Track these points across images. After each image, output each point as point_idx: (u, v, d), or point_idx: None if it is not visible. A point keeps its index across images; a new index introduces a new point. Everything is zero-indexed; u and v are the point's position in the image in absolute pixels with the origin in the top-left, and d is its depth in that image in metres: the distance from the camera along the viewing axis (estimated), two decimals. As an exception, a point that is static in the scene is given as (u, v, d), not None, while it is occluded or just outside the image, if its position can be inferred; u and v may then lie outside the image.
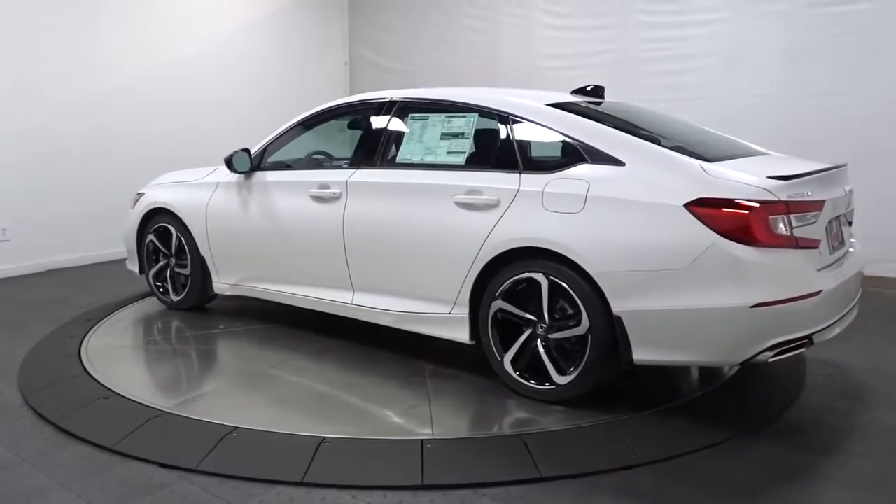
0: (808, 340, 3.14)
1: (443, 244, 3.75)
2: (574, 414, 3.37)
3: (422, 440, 3.11)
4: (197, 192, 5.03)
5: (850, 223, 3.75)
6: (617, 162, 3.36)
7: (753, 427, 3.31)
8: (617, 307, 3.23)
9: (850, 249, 3.68)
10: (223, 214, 4.85)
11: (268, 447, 3.08)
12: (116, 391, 3.67)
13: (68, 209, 6.86)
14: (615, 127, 3.60)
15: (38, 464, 2.97)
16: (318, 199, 4.29)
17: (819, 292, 3.11)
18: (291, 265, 4.55)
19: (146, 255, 5.37)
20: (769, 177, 3.13)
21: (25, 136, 6.51)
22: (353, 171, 4.22)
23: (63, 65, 6.75)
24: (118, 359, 4.24)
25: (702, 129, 4.22)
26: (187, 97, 7.82)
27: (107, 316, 5.10)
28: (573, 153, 3.50)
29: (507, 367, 3.59)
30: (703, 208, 3.07)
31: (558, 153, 3.61)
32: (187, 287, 5.15)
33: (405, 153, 4.07)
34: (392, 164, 4.12)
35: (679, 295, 3.11)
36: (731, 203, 3.05)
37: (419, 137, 4.05)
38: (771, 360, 3.10)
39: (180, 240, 5.09)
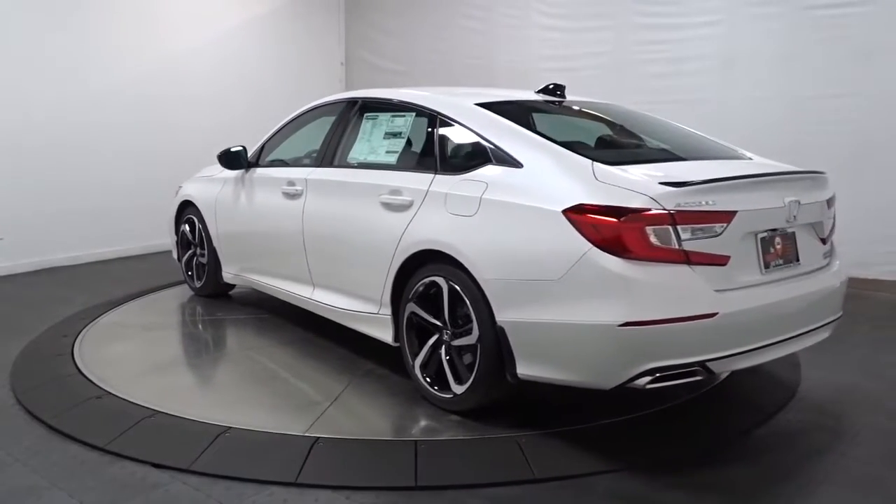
0: (702, 368, 2.82)
1: (369, 244, 3.77)
2: (468, 425, 3.26)
3: (415, 441, 3.10)
4: (211, 186, 5.33)
5: (822, 239, 3.37)
6: (516, 164, 3.22)
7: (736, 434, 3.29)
8: (500, 317, 3.07)
9: (817, 267, 3.32)
10: (225, 208, 5.11)
11: (261, 447, 3.07)
12: (109, 391, 3.65)
13: (62, 207, 6.82)
14: (532, 128, 3.44)
15: (30, 463, 2.96)
16: (286, 195, 4.44)
17: (714, 314, 2.77)
18: (271, 259, 4.77)
19: (181, 243, 5.71)
20: (662, 183, 2.84)
21: (20, 135, 6.48)
22: (314, 169, 4.35)
23: (58, 63, 6.72)
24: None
25: (676, 130, 4.03)
26: (184, 96, 7.80)
27: (100, 315, 5.07)
28: (482, 154, 3.38)
29: (417, 371, 3.52)
30: (580, 215, 2.85)
31: (469, 154, 3.51)
32: (205, 275, 5.45)
33: (355, 152, 4.16)
34: (343, 162, 4.21)
35: (554, 307, 2.90)
36: (606, 210, 2.80)
37: (368, 137, 4.13)
38: (648, 387, 2.79)
39: (200, 231, 5.41)
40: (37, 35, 6.55)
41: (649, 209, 2.76)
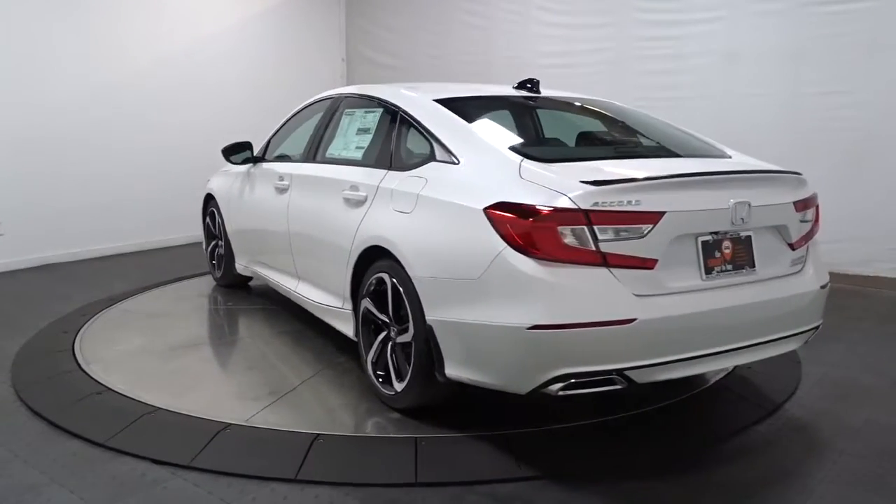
0: (620, 377, 2.69)
1: (332, 238, 3.82)
2: (408, 424, 3.26)
3: (416, 438, 3.10)
4: (227, 180, 5.48)
5: (791, 244, 3.15)
6: (454, 161, 3.19)
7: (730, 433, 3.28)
8: (429, 315, 3.03)
9: (782, 274, 3.11)
10: (235, 202, 5.28)
11: (261, 444, 3.07)
12: (110, 387, 3.65)
13: (62, 204, 6.82)
14: (476, 125, 3.40)
15: (30, 459, 2.96)
16: (277, 190, 4.54)
17: (631, 321, 2.64)
18: (268, 251, 4.87)
19: (206, 235, 5.94)
20: (584, 181, 2.72)
21: (21, 131, 6.47)
22: (299, 164, 4.43)
23: (58, 59, 6.71)
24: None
25: (655, 126, 3.90)
26: (185, 92, 7.79)
27: (101, 311, 5.08)
28: (429, 151, 3.37)
29: (369, 367, 3.52)
30: (498, 213, 2.78)
31: (419, 150, 3.48)
32: (223, 266, 5.62)
33: (332, 148, 4.23)
34: (322, 158, 4.27)
35: (473, 308, 2.84)
36: (520, 209, 2.72)
37: (344, 132, 4.19)
38: (561, 393, 2.70)
39: (220, 223, 5.62)
40: (37, 31, 6.54)
41: (563, 207, 2.64)
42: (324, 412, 3.47)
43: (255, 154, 5.04)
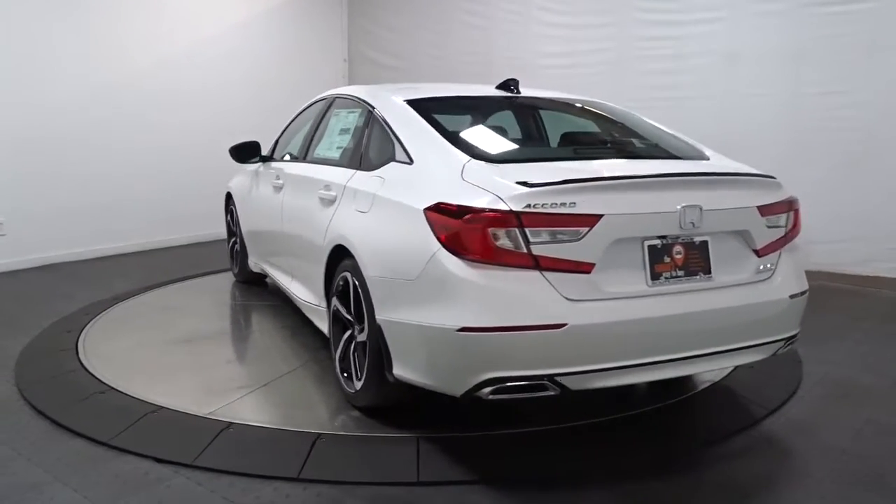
0: (553, 383, 2.63)
1: (310, 237, 3.88)
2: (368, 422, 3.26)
3: (417, 437, 3.11)
4: (242, 178, 5.60)
5: (756, 251, 3.00)
6: (409, 160, 3.20)
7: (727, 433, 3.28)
8: (378, 314, 3.03)
9: (746, 281, 2.98)
10: (246, 200, 5.43)
11: (264, 442, 3.09)
12: (113, 386, 3.67)
13: (65, 203, 6.84)
14: (438, 126, 3.34)
15: (34, 458, 2.97)
16: (274, 188, 4.63)
17: (561, 326, 2.58)
18: (269, 249, 4.99)
19: (228, 232, 6.07)
20: (520, 182, 2.68)
21: (22, 131, 6.48)
22: (293, 164, 4.50)
23: (60, 59, 6.73)
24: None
25: (634, 125, 3.82)
26: (186, 92, 7.80)
27: (104, 311, 5.09)
28: (391, 151, 3.37)
29: (336, 363, 3.55)
30: (436, 214, 2.76)
31: (385, 150, 3.47)
32: (239, 262, 5.79)
33: (319, 148, 4.30)
34: (311, 157, 4.34)
35: (412, 308, 2.83)
36: (454, 210, 2.70)
37: (330, 133, 4.24)
38: (492, 397, 2.65)
39: (237, 220, 5.78)
40: (40, 30, 6.55)
41: (493, 209, 2.60)
42: (236, 401, 3.51)
43: (263, 153, 5.10)
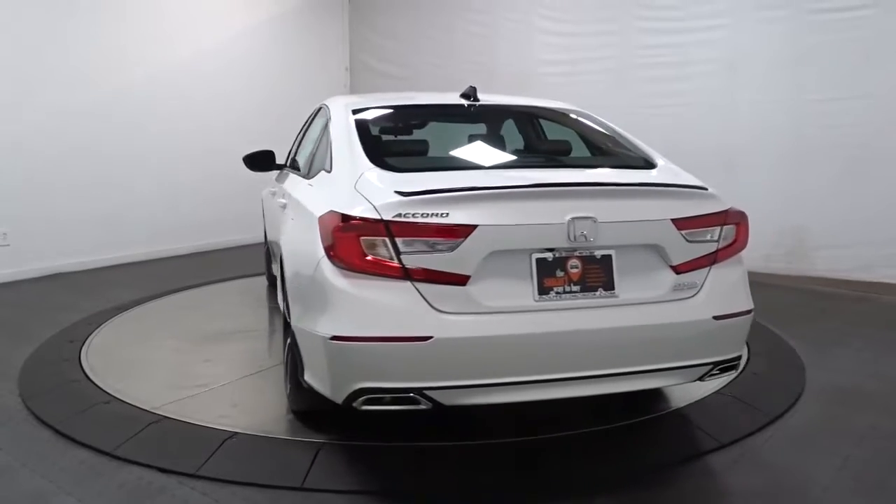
0: (422, 397, 2.58)
1: (276, 241, 4.00)
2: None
3: (416, 445, 3.11)
4: (268, 187, 5.61)
5: (673, 267, 2.79)
6: (330, 169, 3.22)
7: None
8: (292, 319, 3.07)
9: (660, 299, 2.78)
10: (266, 209, 5.50)
11: (267, 452, 3.09)
12: (116, 396, 3.68)
13: (68, 213, 6.86)
14: (366, 135, 3.34)
15: (38, 468, 2.98)
16: (271, 194, 4.80)
17: (427, 338, 2.52)
18: (272, 253, 5.12)
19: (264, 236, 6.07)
20: (398, 191, 2.64)
21: (25, 140, 6.51)
22: (287, 171, 4.52)
23: (64, 68, 6.76)
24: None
25: (589, 134, 3.75)
26: (189, 101, 7.84)
27: (107, 320, 5.10)
28: (324, 160, 3.41)
29: (283, 367, 3.55)
30: (323, 222, 2.78)
31: (323, 160, 3.48)
32: (266, 265, 5.98)
33: (299, 156, 4.41)
34: (294, 165, 4.43)
35: (306, 314, 2.86)
36: (335, 218, 2.70)
37: (306, 142, 4.38)
38: (364, 408, 2.63)
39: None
40: (43, 40, 6.59)
41: (363, 217, 2.59)
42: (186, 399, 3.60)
43: (279, 162, 5.08)
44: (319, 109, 4.48)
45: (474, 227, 2.56)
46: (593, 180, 2.95)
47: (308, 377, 2.94)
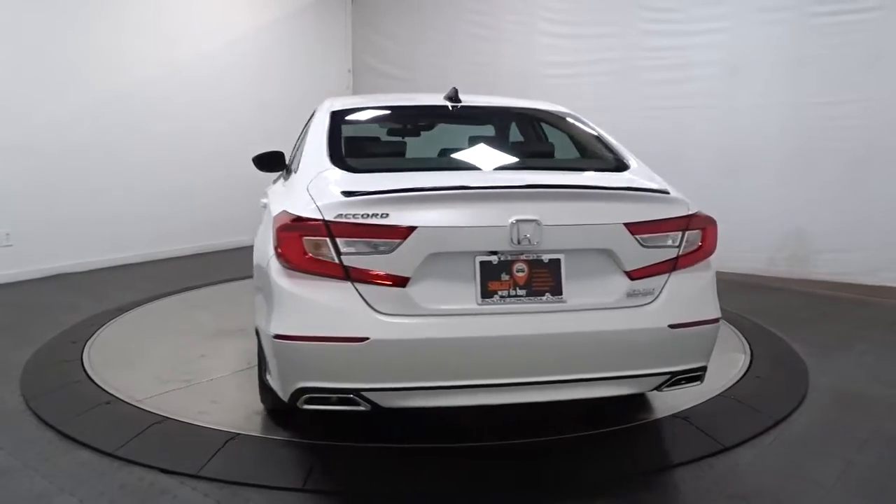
0: (361, 398, 2.59)
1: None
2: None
3: (419, 446, 3.10)
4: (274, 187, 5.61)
5: (627, 273, 2.71)
6: (296, 170, 3.24)
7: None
8: (255, 317, 3.11)
9: (612, 306, 2.71)
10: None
11: (269, 453, 3.09)
12: (118, 396, 3.68)
13: (71, 214, 6.87)
14: (335, 136, 3.32)
15: (39, 469, 2.98)
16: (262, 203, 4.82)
17: (363, 339, 2.52)
18: None
19: None
20: (345, 192, 2.64)
21: (28, 141, 6.51)
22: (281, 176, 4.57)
23: (66, 69, 6.77)
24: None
25: (571, 135, 3.71)
26: (191, 102, 7.84)
27: (109, 321, 5.11)
28: (297, 161, 3.42)
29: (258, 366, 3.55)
30: (274, 222, 2.79)
31: (297, 161, 3.48)
32: None
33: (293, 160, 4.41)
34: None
35: (258, 313, 2.93)
36: (283, 218, 2.71)
37: (299, 144, 4.30)
38: (306, 407, 2.66)
39: None
40: (45, 43, 6.59)
41: (305, 218, 2.61)
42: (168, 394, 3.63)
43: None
44: (315, 112, 4.50)
45: (413, 228, 2.55)
46: (541, 182, 2.86)
47: (267, 375, 2.98)
